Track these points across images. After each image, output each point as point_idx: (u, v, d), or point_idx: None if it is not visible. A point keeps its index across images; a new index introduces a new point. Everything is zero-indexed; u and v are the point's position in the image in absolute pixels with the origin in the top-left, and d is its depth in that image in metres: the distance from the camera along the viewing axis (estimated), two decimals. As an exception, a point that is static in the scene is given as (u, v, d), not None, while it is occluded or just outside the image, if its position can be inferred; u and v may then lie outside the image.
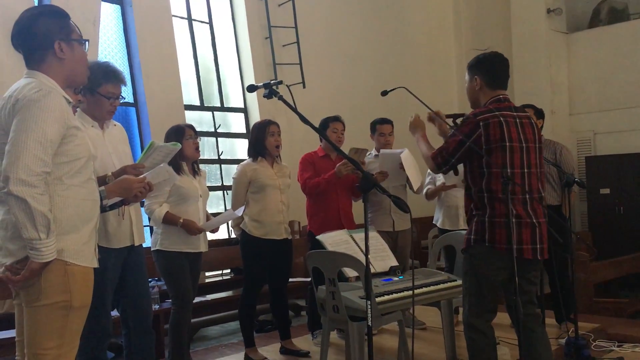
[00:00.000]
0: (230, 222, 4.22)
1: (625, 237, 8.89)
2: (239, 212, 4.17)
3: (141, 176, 2.78)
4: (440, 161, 3.22)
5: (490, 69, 3.23)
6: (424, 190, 5.24)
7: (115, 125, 3.29)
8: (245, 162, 4.43)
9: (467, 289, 3.18)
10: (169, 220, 3.85)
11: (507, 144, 3.06)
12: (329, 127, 4.66)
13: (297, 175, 4.70)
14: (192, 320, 4.95)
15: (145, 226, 3.78)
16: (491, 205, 3.07)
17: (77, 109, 3.12)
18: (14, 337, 2.47)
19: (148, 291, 3.40)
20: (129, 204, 2.96)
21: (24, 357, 2.34)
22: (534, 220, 3.08)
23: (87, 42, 2.44)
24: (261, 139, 4.35)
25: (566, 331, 4.35)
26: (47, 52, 2.33)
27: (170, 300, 4.11)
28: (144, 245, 3.42)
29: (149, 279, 5.55)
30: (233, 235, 7.86)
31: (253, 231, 4.30)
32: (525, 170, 3.11)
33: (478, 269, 3.09)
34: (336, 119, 4.73)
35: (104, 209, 2.67)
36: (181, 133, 3.95)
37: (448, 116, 3.46)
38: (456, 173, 3.41)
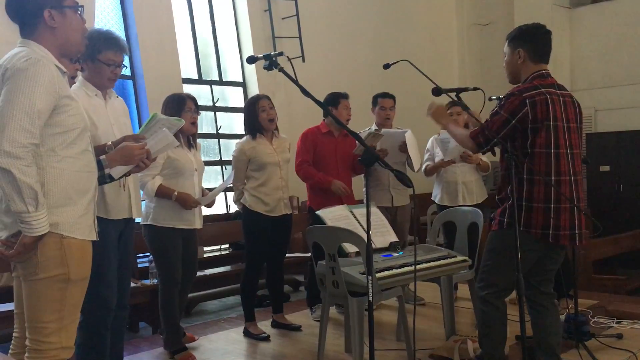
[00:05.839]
0: (232, 197, 4.21)
1: (624, 214, 8.90)
2: (229, 180, 4.13)
3: (142, 142, 2.72)
4: (482, 140, 3.07)
5: (534, 41, 3.09)
6: (423, 167, 5.21)
7: (117, 97, 3.25)
8: (243, 139, 4.34)
9: (489, 266, 3.11)
10: (162, 193, 3.72)
11: (552, 123, 2.95)
12: (340, 104, 4.61)
13: (296, 151, 4.64)
14: (191, 295, 4.95)
15: (142, 200, 3.73)
16: (530, 188, 2.97)
17: (80, 78, 3.08)
18: (13, 310, 2.45)
19: (131, 266, 3.38)
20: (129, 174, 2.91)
21: (23, 331, 2.33)
22: (575, 204, 2.98)
23: (82, 8, 2.36)
24: (253, 116, 4.27)
25: (565, 307, 4.35)
26: (38, 21, 2.27)
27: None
28: (137, 220, 3.39)
29: (148, 255, 5.56)
30: (231, 210, 7.85)
31: (253, 206, 4.26)
32: (568, 151, 3.01)
33: (508, 249, 2.90)
34: (347, 96, 4.68)
35: (104, 180, 2.62)
36: (182, 104, 3.85)
37: (450, 90, 3.38)
38: (494, 154, 3.31)
